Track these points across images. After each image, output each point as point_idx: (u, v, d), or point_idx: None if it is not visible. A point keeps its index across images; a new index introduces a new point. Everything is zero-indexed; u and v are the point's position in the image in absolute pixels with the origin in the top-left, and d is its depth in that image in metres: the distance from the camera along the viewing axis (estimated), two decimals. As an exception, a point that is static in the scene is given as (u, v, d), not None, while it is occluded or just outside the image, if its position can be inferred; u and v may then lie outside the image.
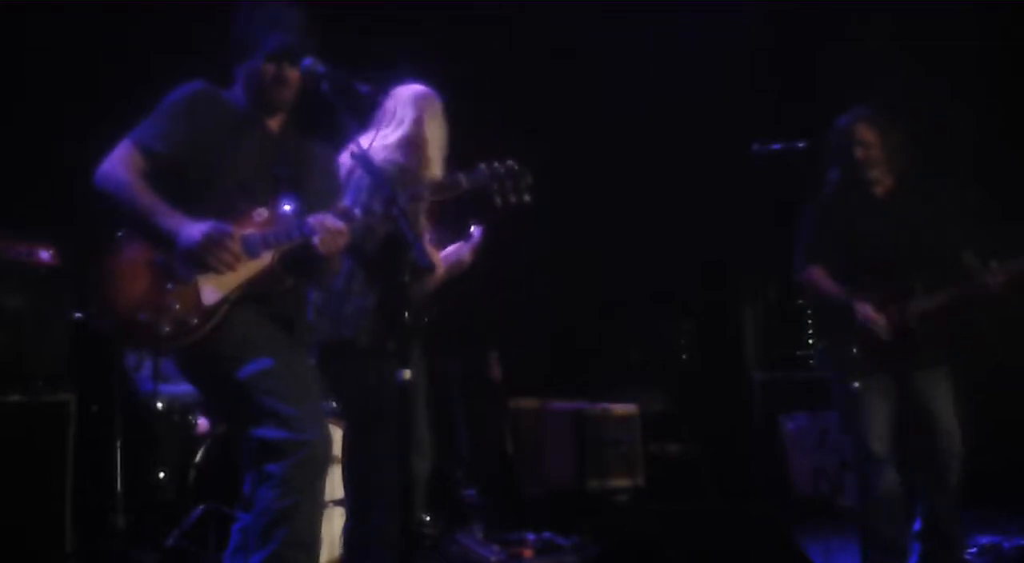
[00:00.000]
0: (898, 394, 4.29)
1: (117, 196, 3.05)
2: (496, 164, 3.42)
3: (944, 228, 4.34)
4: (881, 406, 4.26)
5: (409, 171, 3.84)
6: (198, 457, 4.88)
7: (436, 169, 3.91)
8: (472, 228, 4.10)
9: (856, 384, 4.21)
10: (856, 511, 4.40)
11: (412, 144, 3.89)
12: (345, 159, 3.67)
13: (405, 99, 3.95)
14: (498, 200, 3.46)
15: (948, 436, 4.25)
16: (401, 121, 3.92)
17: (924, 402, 4.27)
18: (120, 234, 3.09)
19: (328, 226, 3.08)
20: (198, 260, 3.00)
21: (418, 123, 3.92)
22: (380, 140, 3.83)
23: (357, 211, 3.16)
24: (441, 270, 3.94)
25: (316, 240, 3.07)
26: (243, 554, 3.03)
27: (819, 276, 4.38)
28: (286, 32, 3.16)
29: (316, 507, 3.14)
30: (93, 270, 3.09)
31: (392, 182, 3.67)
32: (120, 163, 3.08)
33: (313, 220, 3.09)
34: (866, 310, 4.24)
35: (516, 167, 3.41)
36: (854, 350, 4.25)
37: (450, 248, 4.08)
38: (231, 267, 3.03)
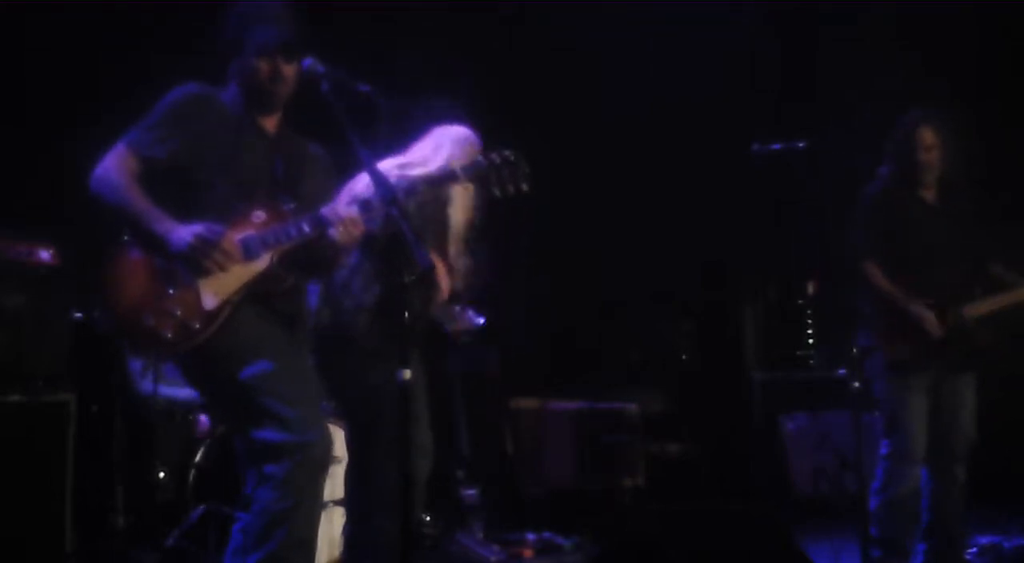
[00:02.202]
0: (935, 393, 4.33)
1: (110, 200, 3.05)
2: (492, 154, 3.42)
3: (976, 236, 4.38)
4: (924, 406, 4.30)
5: (437, 198, 3.83)
6: (198, 457, 4.88)
7: (459, 216, 3.89)
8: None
9: (856, 384, 4.22)
10: (857, 510, 4.40)
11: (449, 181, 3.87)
12: (364, 181, 3.66)
13: (452, 139, 3.86)
14: (496, 190, 3.45)
15: (964, 438, 4.31)
16: (444, 157, 3.82)
17: (951, 403, 4.33)
18: (124, 239, 3.09)
19: (342, 214, 3.08)
20: (191, 262, 3.00)
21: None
22: (416, 168, 3.79)
23: (354, 208, 3.15)
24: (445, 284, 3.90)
25: (332, 230, 3.08)
26: (243, 554, 3.04)
27: (875, 274, 4.36)
28: (277, 27, 3.16)
29: (315, 508, 3.15)
30: (96, 276, 3.09)
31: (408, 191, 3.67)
32: (113, 167, 3.07)
33: (327, 209, 3.09)
34: (921, 310, 4.26)
35: (512, 156, 3.40)
36: (854, 349, 4.27)
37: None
38: (223, 267, 3.03)
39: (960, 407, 4.35)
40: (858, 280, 4.43)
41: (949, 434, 4.33)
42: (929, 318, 4.27)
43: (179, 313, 3.00)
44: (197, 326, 3.01)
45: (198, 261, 3.00)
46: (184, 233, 2.99)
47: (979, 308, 4.31)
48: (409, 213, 3.44)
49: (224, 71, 3.27)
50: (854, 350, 4.29)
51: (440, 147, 3.86)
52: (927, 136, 4.38)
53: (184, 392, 5.11)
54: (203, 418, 5.22)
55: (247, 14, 3.20)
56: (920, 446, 4.28)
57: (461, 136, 3.89)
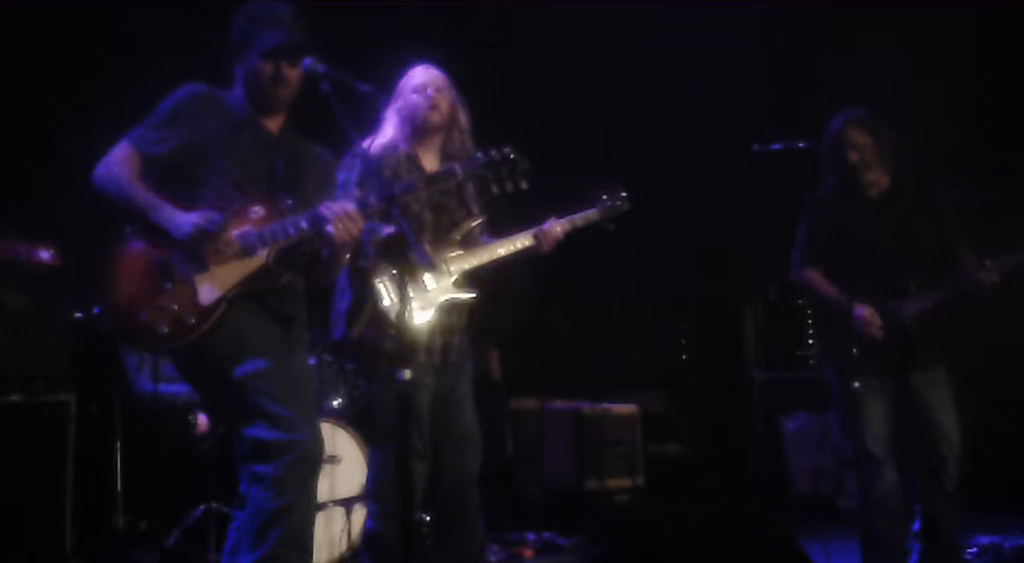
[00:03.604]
0: (896, 394, 4.30)
1: (114, 195, 3.10)
2: (492, 151, 3.43)
3: (939, 226, 4.35)
4: (879, 407, 4.27)
5: (406, 156, 3.84)
6: (198, 457, 4.89)
7: (435, 148, 3.90)
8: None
9: (856, 384, 4.21)
10: (856, 511, 4.40)
11: (403, 122, 3.89)
12: (346, 162, 3.69)
13: (402, 82, 3.95)
14: (494, 187, 3.47)
15: (946, 436, 4.25)
16: (398, 106, 3.92)
17: (922, 402, 4.27)
18: (122, 234, 3.11)
19: (338, 211, 3.09)
20: (192, 251, 3.03)
21: (404, 103, 3.90)
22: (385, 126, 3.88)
23: (352, 204, 3.15)
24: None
25: (329, 227, 3.08)
26: (239, 554, 3.04)
27: (815, 278, 4.40)
28: (282, 30, 3.17)
29: (309, 507, 3.15)
30: (94, 272, 3.12)
31: (390, 170, 3.70)
32: (116, 163, 3.12)
33: (323, 207, 3.10)
34: (860, 311, 4.26)
35: (512, 154, 3.41)
36: (853, 351, 4.25)
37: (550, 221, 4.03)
38: (223, 253, 3.04)
39: (932, 406, 4.27)
40: (795, 286, 4.46)
41: (925, 434, 4.26)
42: (868, 319, 4.23)
43: (175, 308, 3.02)
44: (192, 321, 3.02)
45: (199, 249, 3.03)
46: (184, 221, 3.03)
47: (919, 305, 4.25)
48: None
49: (226, 72, 3.28)
50: (853, 350, 4.27)
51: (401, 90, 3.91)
52: (855, 136, 4.32)
53: (184, 391, 5.12)
54: (203, 417, 5.22)
55: (252, 17, 3.22)
56: (881, 448, 4.23)
57: (412, 73, 3.92)
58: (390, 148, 3.85)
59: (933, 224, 4.35)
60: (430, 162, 3.89)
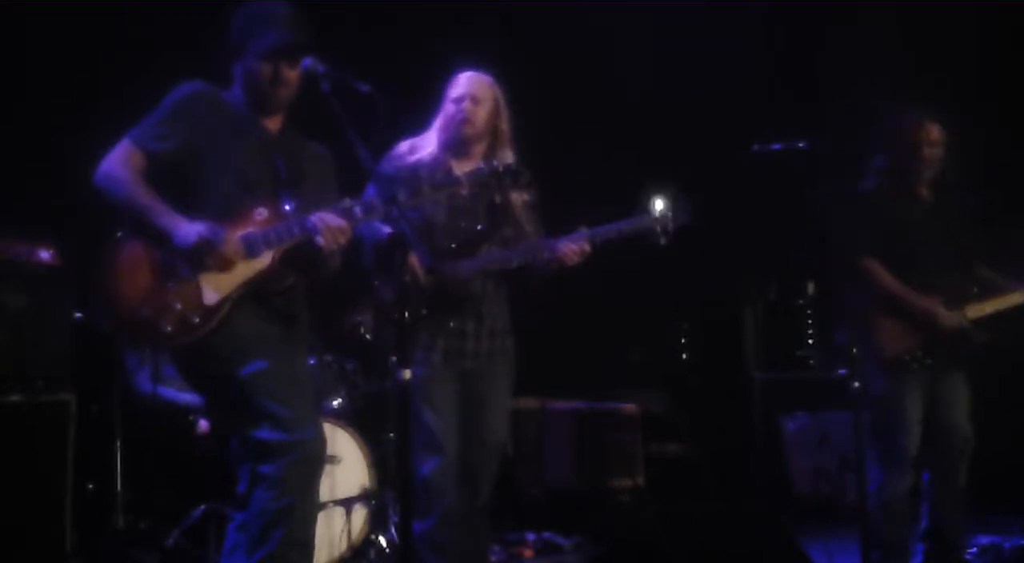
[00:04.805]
0: (928, 394, 4.31)
1: (115, 195, 3.08)
2: (495, 162, 3.47)
3: (967, 235, 4.38)
4: (919, 407, 4.28)
5: (439, 164, 3.86)
6: (198, 457, 4.89)
7: (475, 157, 3.91)
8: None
9: (856, 384, 4.21)
10: (857, 511, 4.40)
11: (439, 130, 3.93)
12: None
13: (447, 88, 3.98)
14: (497, 197, 3.49)
15: (964, 437, 4.30)
16: (440, 113, 3.97)
17: (946, 403, 4.31)
18: (120, 233, 3.11)
19: (329, 223, 3.09)
20: (193, 261, 3.02)
21: (443, 111, 3.95)
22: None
23: (358, 209, 3.17)
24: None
25: (319, 238, 3.09)
26: (239, 553, 3.04)
27: (877, 270, 4.33)
28: (281, 31, 3.16)
29: (311, 507, 3.16)
30: (95, 269, 3.11)
31: (409, 174, 3.72)
32: (119, 162, 3.10)
33: (315, 217, 3.10)
34: (936, 306, 4.24)
35: (515, 165, 3.45)
36: (854, 350, 4.25)
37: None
38: (225, 268, 3.04)
39: (956, 406, 4.33)
40: (851, 276, 4.41)
41: (948, 435, 4.30)
42: (941, 312, 4.23)
43: (179, 307, 3.02)
44: (197, 320, 3.02)
45: (201, 260, 3.02)
46: (189, 232, 3.01)
47: (981, 309, 4.29)
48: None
49: (226, 71, 3.28)
50: (854, 350, 4.27)
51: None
52: (934, 132, 4.36)
53: (184, 395, 5.11)
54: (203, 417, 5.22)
55: (250, 17, 3.22)
56: (914, 447, 4.26)
57: (453, 79, 3.96)
58: (426, 156, 3.91)
59: (966, 232, 4.38)
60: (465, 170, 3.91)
